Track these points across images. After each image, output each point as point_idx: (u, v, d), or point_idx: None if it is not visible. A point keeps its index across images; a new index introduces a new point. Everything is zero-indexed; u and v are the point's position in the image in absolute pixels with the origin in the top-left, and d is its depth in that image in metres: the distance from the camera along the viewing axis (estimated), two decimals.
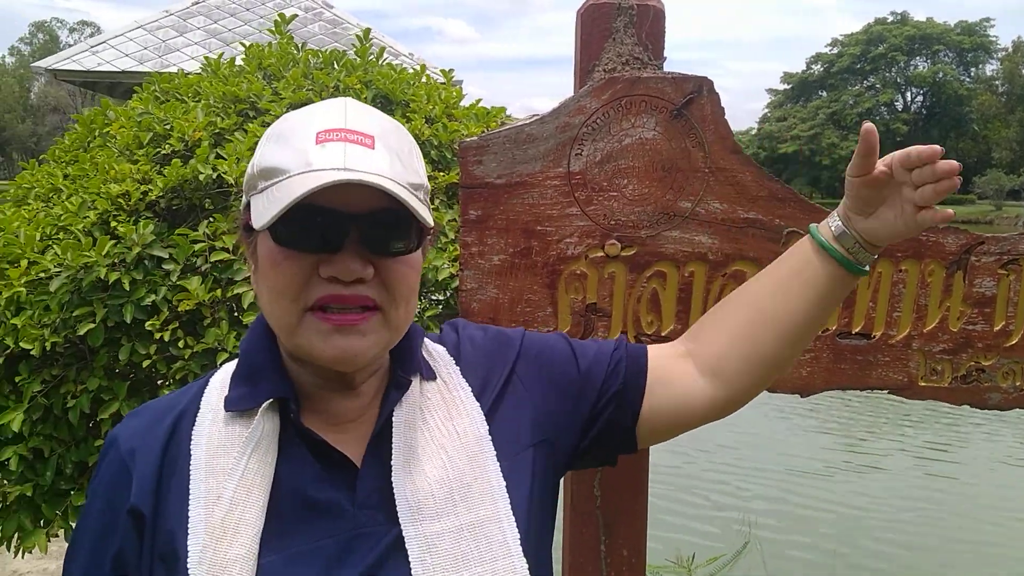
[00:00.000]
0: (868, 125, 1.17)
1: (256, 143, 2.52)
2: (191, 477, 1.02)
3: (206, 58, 2.96)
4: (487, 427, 1.11)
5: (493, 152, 1.77)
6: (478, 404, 1.14)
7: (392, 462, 1.04)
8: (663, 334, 1.82)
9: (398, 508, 1.02)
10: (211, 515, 0.98)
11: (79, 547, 1.06)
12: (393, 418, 1.08)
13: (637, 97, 1.77)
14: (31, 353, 2.30)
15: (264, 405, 1.04)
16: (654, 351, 1.30)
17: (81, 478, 2.44)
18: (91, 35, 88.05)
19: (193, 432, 1.05)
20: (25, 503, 2.43)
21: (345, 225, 0.97)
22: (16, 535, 2.48)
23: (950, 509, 6.68)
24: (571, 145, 1.77)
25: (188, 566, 0.96)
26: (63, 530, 2.46)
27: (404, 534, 1.00)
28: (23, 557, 2.60)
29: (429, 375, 1.15)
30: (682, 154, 1.78)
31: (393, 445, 1.06)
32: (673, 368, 1.28)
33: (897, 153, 1.18)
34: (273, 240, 0.99)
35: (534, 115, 1.80)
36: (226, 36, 12.96)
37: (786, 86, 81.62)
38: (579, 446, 1.22)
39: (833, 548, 5.59)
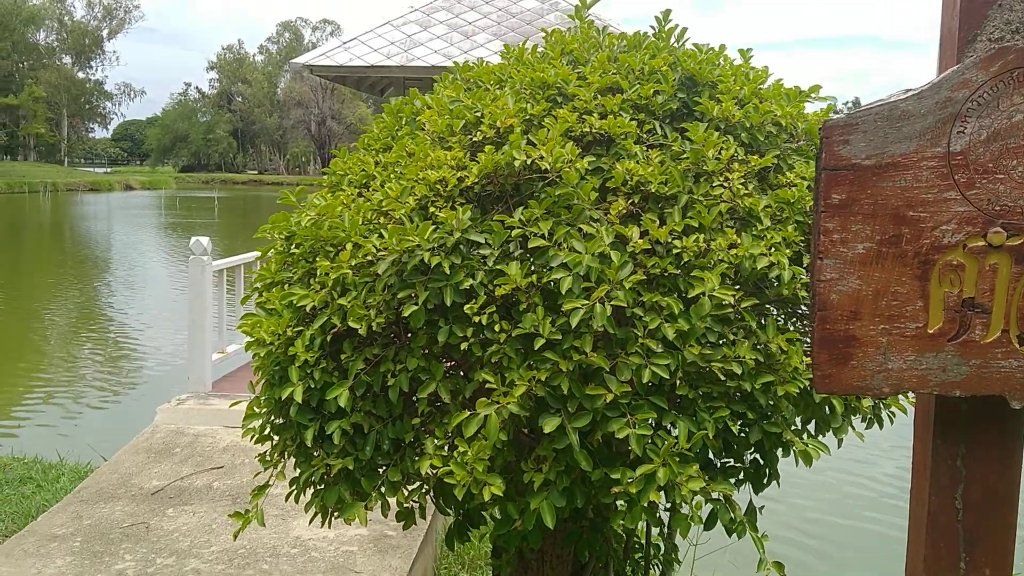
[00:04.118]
0: None
1: (568, 129, 2.52)
2: None
3: (506, 46, 2.99)
4: None
5: (862, 131, 1.64)
6: None
7: None
8: None
9: None
10: None
11: None
12: None
13: None
14: (358, 332, 2.40)
15: None
16: None
17: (396, 455, 2.53)
18: (331, 32, 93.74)
19: None
20: (345, 476, 2.55)
21: None
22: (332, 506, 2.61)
23: None
24: (952, 122, 1.61)
25: None
26: (380, 503, 2.57)
27: None
28: (309, 525, 2.74)
29: None
30: None
31: None
32: None
33: None
34: None
35: (908, 90, 1.65)
36: (467, 29, 13.33)
37: None
38: None
39: None
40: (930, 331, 1.66)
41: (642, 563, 3.08)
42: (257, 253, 8.27)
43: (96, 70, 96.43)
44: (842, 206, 1.66)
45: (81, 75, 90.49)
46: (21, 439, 8.50)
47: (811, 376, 2.37)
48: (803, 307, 2.74)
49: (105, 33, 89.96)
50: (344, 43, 13.44)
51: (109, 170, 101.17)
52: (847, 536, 7.13)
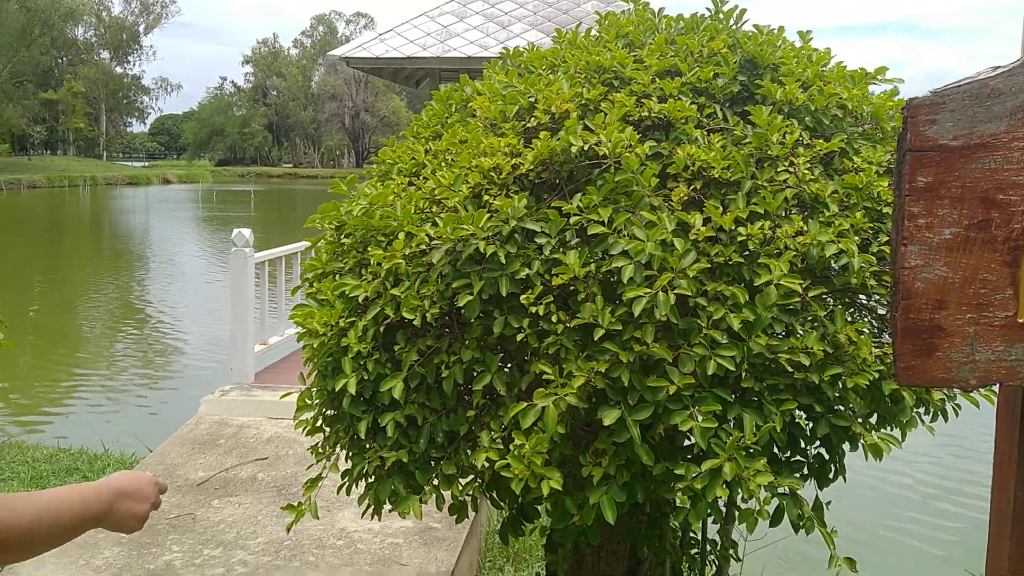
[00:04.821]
0: None
1: (626, 113, 2.45)
2: None
3: (558, 30, 2.93)
4: None
5: (950, 110, 1.56)
6: None
7: None
8: None
9: None
10: None
11: None
12: None
13: None
14: (411, 323, 2.36)
15: None
16: None
17: (450, 447, 2.49)
18: (365, 26, 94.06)
19: None
20: (399, 469, 2.51)
21: None
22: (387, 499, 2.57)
23: None
24: None
25: None
26: (434, 496, 2.52)
27: None
28: (361, 517, 2.71)
29: None
30: None
31: None
32: None
33: None
34: None
35: (997, 67, 1.57)
36: (503, 19, 13.28)
37: None
38: None
39: None
40: (1020, 320, 1.58)
41: (698, 559, 3.02)
42: (299, 245, 8.29)
43: (133, 65, 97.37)
44: (928, 189, 1.58)
45: (119, 70, 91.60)
46: (66, 430, 8.59)
47: (880, 368, 2.30)
48: (862, 296, 2.66)
49: (142, 28, 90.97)
50: (380, 35, 13.45)
51: (147, 164, 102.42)
52: (874, 538, 7.00)
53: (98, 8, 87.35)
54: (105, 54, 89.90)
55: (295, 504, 2.64)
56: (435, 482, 2.51)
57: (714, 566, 3.07)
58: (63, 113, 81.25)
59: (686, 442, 2.49)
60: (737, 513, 2.26)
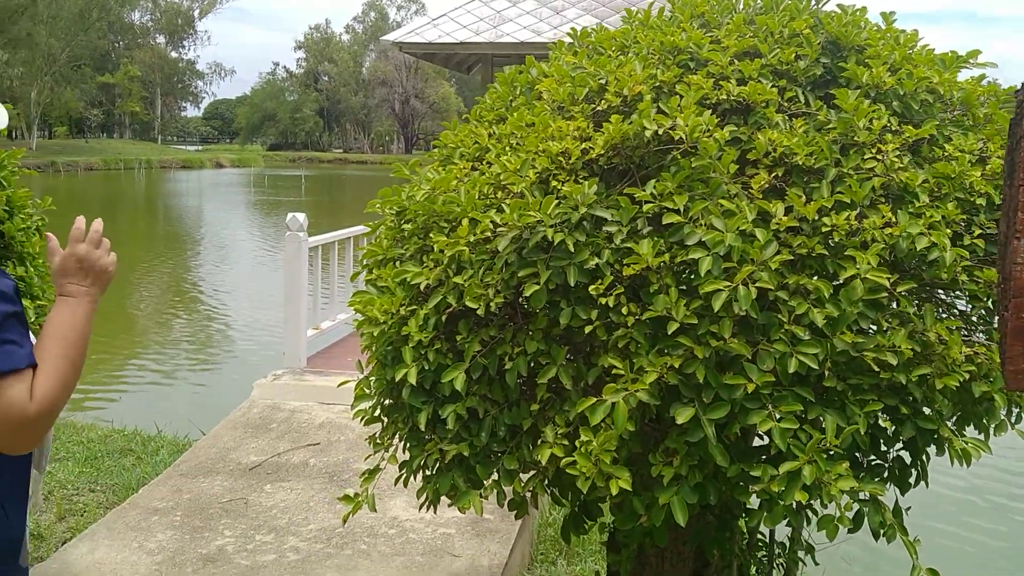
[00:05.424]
0: None
1: (702, 97, 2.34)
2: None
3: (628, 11, 2.82)
4: None
5: None
6: None
7: None
8: None
9: None
10: None
11: None
12: None
13: None
14: (474, 312, 2.28)
15: None
16: None
17: (512, 441, 2.41)
18: (416, 11, 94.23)
19: None
20: (459, 463, 2.43)
21: None
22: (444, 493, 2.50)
23: None
24: None
25: None
26: (495, 492, 2.45)
27: None
28: (420, 510, 2.64)
29: None
30: None
31: None
32: None
33: None
34: None
35: None
36: (557, 4, 13.13)
37: None
38: None
39: None
40: None
41: (765, 562, 2.91)
42: (352, 230, 8.27)
43: (188, 50, 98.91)
44: None
45: (174, 55, 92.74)
46: (120, 411, 8.68)
47: (971, 368, 2.17)
48: (940, 292, 2.52)
49: (197, 13, 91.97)
50: (433, 20, 13.37)
51: (200, 148, 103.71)
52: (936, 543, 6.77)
53: None
54: (161, 39, 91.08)
55: (351, 495, 2.59)
56: (496, 477, 2.44)
57: (782, 569, 2.96)
58: (119, 97, 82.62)
59: (759, 442, 2.39)
60: (816, 519, 2.14)
